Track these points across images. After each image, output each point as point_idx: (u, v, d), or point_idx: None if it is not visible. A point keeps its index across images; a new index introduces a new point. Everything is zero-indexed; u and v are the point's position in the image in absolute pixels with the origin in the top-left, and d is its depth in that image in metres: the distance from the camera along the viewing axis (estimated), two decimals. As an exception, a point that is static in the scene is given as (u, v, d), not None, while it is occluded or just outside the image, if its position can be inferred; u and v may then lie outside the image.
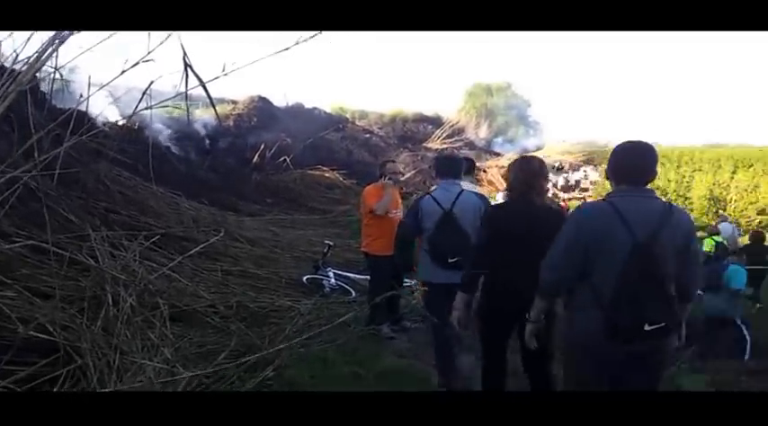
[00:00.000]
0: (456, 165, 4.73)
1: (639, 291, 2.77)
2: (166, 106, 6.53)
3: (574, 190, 26.90)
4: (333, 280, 7.31)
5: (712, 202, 20.06)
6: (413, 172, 21.88)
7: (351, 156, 22.62)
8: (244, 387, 3.80)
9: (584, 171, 28.68)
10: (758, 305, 10.04)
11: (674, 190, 22.85)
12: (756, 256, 10.56)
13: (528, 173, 3.64)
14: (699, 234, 14.53)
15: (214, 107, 4.28)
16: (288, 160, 18.00)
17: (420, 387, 4.48)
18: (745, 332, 7.52)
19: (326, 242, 7.97)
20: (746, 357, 7.22)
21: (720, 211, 19.26)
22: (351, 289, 7.25)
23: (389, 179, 5.89)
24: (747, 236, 13.33)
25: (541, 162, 3.83)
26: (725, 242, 12.40)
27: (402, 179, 16.57)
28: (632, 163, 2.97)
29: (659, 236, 2.79)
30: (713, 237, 12.44)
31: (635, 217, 2.81)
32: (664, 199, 3.15)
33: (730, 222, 15.26)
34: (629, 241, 2.78)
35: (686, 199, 21.81)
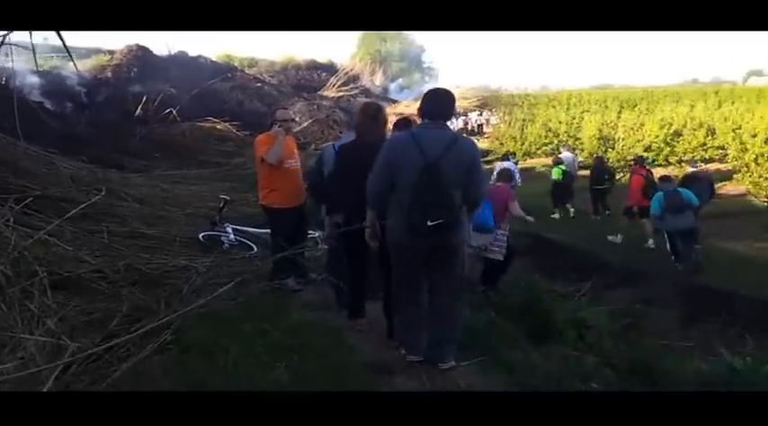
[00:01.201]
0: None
1: (426, 198, 3.70)
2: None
3: (476, 135, 27.69)
4: (232, 236, 7.06)
5: (602, 141, 21.15)
6: (309, 121, 21.51)
7: (242, 107, 21.88)
8: (141, 354, 3.59)
9: (484, 115, 29.51)
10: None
11: (565, 132, 23.91)
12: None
13: (364, 115, 4.51)
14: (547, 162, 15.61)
15: (70, 55, 3.87)
16: (174, 112, 17.11)
17: (331, 340, 4.44)
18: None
19: (222, 196, 7.67)
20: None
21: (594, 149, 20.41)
22: (252, 245, 7.05)
23: (280, 126, 5.68)
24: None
25: (378, 106, 4.68)
26: (568, 169, 14.59)
27: (297, 128, 16.18)
28: (432, 103, 3.91)
29: (445, 158, 3.71)
30: (559, 166, 14.51)
31: (427, 143, 3.75)
32: (455, 131, 4.17)
33: (570, 152, 16.65)
34: (420, 161, 3.71)
35: (577, 139, 22.90)
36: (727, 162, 18.21)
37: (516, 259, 8.77)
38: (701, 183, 11.84)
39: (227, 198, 7.63)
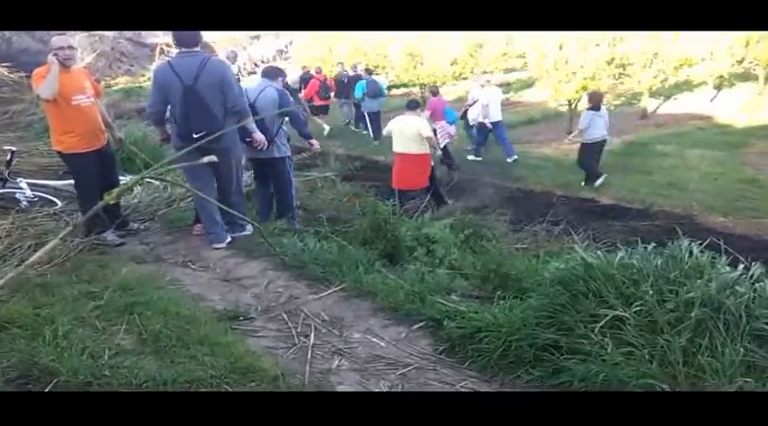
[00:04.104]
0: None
1: (190, 114, 4.88)
2: None
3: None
4: (28, 192, 6.24)
5: (410, 58, 21.66)
6: (93, 55, 19.49)
7: (11, 46, 19.13)
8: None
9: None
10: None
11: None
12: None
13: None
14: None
15: None
16: None
17: (171, 293, 4.17)
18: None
19: (7, 148, 6.69)
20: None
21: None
22: (54, 199, 6.31)
23: (55, 54, 5.00)
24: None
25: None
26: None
27: (82, 63, 14.51)
28: (183, 35, 4.89)
29: (199, 80, 4.84)
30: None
31: (182, 68, 4.87)
32: (208, 55, 5.03)
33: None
34: (180, 85, 4.86)
35: (385, 57, 23.40)
36: (527, 69, 19.66)
37: (349, 183, 8.98)
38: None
39: (14, 149, 6.68)
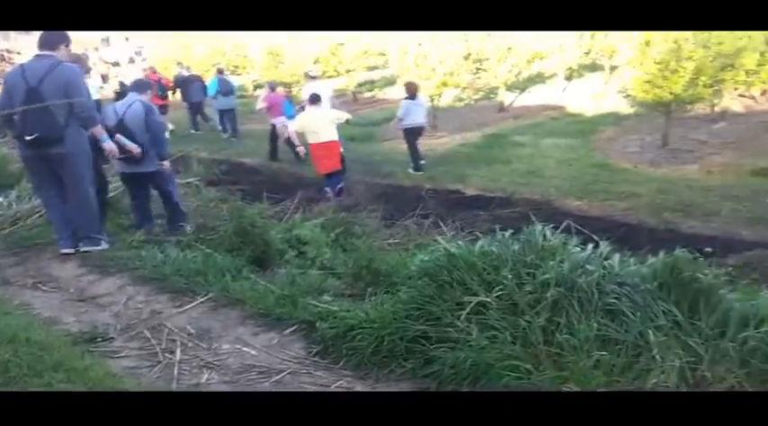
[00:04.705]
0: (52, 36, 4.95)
1: (28, 116, 4.76)
2: None
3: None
4: None
5: (272, 56, 21.41)
6: None
7: None
8: None
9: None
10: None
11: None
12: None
13: None
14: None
15: None
16: None
17: (17, 317, 3.84)
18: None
19: None
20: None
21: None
22: None
23: None
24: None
25: None
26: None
27: None
28: (43, 36, 4.93)
29: (43, 82, 4.80)
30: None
31: (31, 71, 4.86)
32: (59, 60, 4.95)
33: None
34: (24, 86, 4.81)
35: (246, 57, 23.05)
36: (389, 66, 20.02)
37: (214, 187, 8.74)
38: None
39: None
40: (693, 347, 2.81)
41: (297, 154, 11.06)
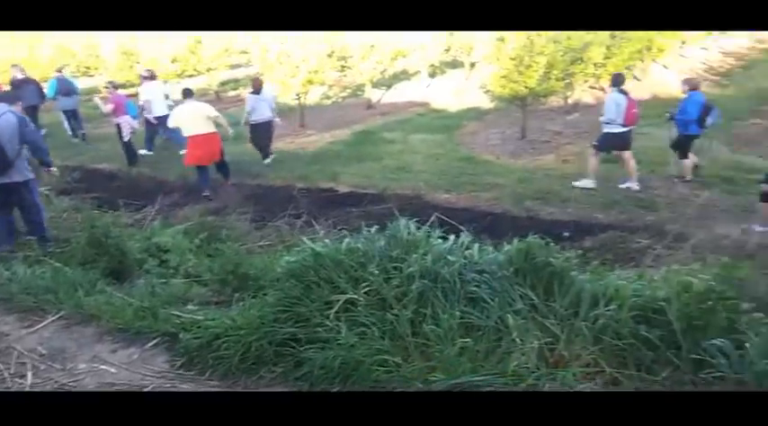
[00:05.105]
0: None
1: None
2: None
3: None
4: None
5: (126, 56, 20.37)
6: None
7: None
8: None
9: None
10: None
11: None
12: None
13: None
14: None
15: None
16: None
17: None
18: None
19: None
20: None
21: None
22: None
23: None
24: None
25: None
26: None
27: None
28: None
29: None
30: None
31: None
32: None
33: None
34: None
35: (98, 57, 21.82)
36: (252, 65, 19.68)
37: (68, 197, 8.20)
38: None
39: None
40: (550, 328, 2.98)
41: (132, 159, 11.07)
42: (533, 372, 2.80)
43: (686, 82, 9.26)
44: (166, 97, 12.73)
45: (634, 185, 8.85)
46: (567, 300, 3.06)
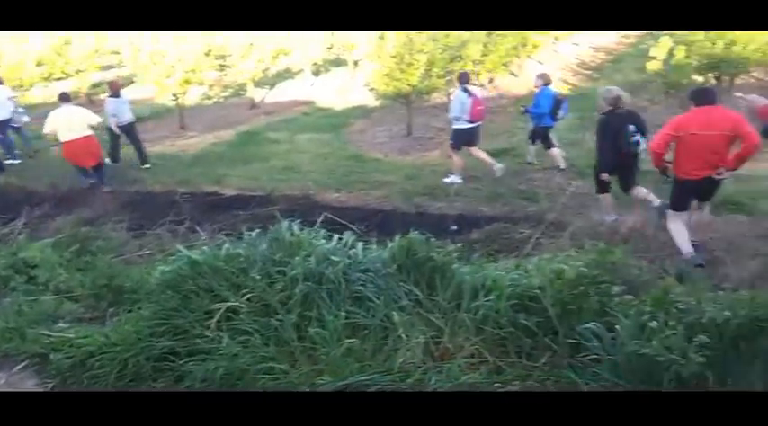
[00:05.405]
0: None
1: None
2: None
3: None
4: None
5: None
6: None
7: None
8: None
9: None
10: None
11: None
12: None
13: None
14: None
15: None
16: None
17: None
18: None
19: None
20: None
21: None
22: None
23: None
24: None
25: None
26: None
27: None
28: None
29: None
30: None
31: None
32: None
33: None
34: None
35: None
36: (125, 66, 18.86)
37: None
38: None
39: None
40: (434, 322, 3.04)
41: None
42: (419, 367, 2.84)
43: (540, 77, 9.85)
44: (11, 100, 12.01)
45: (456, 179, 9.29)
46: (449, 293, 3.13)
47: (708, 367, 2.52)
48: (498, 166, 9.29)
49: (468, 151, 9.54)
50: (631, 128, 6.48)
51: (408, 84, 11.43)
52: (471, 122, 9.18)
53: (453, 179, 9.34)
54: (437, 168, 10.27)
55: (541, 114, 9.35)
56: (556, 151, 9.53)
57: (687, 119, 5.52)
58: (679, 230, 5.72)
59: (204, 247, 3.42)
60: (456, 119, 9.25)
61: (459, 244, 3.65)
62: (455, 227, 7.19)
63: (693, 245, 5.66)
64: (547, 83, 9.56)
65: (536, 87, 9.68)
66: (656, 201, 6.59)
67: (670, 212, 5.87)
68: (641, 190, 6.81)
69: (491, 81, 15.28)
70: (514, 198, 8.51)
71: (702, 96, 5.60)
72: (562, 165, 9.42)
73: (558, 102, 9.33)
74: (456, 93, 9.37)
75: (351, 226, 4.56)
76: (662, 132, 5.59)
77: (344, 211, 7.41)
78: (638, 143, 6.51)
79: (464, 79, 9.33)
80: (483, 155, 9.46)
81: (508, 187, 8.98)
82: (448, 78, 12.09)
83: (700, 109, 5.50)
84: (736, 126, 5.28)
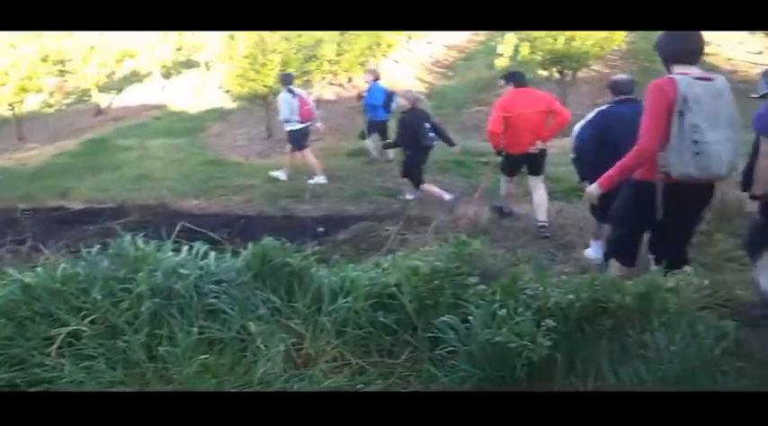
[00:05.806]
0: None
1: None
2: None
3: None
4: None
5: None
6: None
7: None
8: None
9: None
10: None
11: None
12: None
13: None
14: None
15: None
16: None
17: None
18: None
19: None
20: None
21: None
22: None
23: None
24: None
25: None
26: None
27: None
28: None
29: None
30: None
31: None
32: None
33: None
34: None
35: None
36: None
37: None
38: None
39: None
40: (295, 328, 2.99)
41: None
42: (281, 376, 2.79)
43: (369, 73, 10.48)
44: None
45: (321, 179, 9.46)
46: (308, 298, 3.09)
47: (556, 349, 2.67)
48: (320, 178, 9.51)
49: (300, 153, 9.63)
50: (427, 125, 7.53)
51: (264, 85, 11.28)
52: (302, 123, 9.33)
53: (318, 179, 9.34)
54: (300, 170, 10.23)
55: (375, 106, 9.86)
56: (369, 143, 10.22)
57: (512, 100, 6.31)
58: (506, 189, 6.99)
59: (38, 268, 3.16)
60: (287, 121, 9.35)
61: (321, 247, 3.64)
62: (322, 229, 7.18)
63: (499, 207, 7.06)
64: (376, 78, 10.20)
65: (367, 82, 10.27)
66: (447, 195, 7.58)
67: (503, 177, 6.96)
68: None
69: (350, 80, 15.41)
70: (379, 195, 8.64)
71: (520, 78, 6.50)
72: (391, 156, 9.92)
73: (389, 95, 9.87)
74: (281, 95, 9.39)
75: (212, 234, 4.42)
76: (495, 114, 6.33)
77: (205, 219, 7.20)
78: (433, 139, 7.62)
79: (287, 80, 9.44)
80: (312, 160, 9.64)
81: (372, 185, 9.10)
82: (305, 79, 12.06)
83: (519, 90, 6.35)
84: (549, 103, 6.33)
